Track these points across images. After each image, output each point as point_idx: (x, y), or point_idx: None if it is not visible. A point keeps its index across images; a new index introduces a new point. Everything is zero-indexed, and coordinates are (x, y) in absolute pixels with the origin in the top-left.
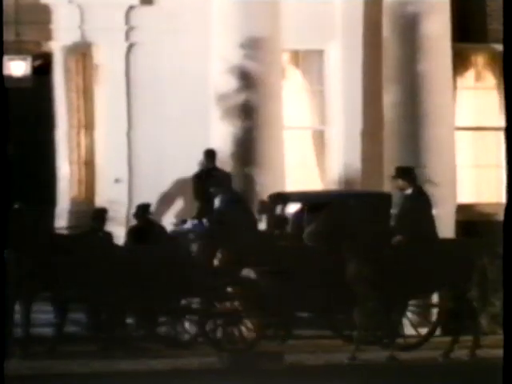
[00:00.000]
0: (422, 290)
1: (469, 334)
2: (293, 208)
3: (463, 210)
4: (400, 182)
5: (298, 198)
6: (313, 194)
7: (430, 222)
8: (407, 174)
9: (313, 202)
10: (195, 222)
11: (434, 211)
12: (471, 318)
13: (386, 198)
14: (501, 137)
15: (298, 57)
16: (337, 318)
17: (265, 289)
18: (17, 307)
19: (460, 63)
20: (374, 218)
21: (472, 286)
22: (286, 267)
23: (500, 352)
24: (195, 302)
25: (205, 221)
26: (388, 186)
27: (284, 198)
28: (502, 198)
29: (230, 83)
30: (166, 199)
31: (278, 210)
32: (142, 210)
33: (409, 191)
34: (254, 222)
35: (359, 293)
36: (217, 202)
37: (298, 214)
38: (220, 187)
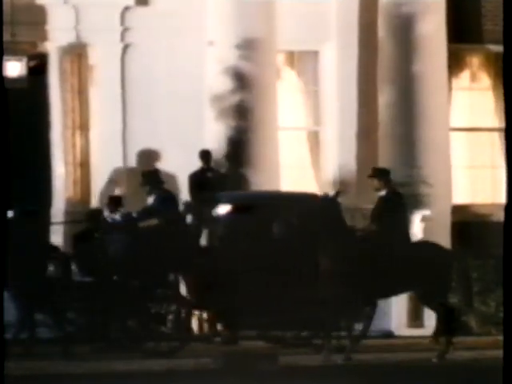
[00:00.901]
0: (389, 291)
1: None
2: (222, 209)
3: (458, 211)
4: (375, 183)
5: (227, 200)
6: (240, 196)
7: (402, 223)
8: (382, 174)
9: (241, 204)
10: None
11: (430, 212)
12: (446, 320)
13: (314, 200)
14: (496, 137)
15: (293, 57)
16: (264, 319)
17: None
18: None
19: (455, 64)
20: (304, 219)
21: (445, 288)
22: (211, 268)
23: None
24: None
25: (134, 214)
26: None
27: (212, 198)
28: (497, 199)
29: (224, 84)
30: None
31: (207, 210)
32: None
33: (383, 192)
34: (183, 222)
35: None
36: (150, 199)
37: (226, 216)
38: (155, 186)
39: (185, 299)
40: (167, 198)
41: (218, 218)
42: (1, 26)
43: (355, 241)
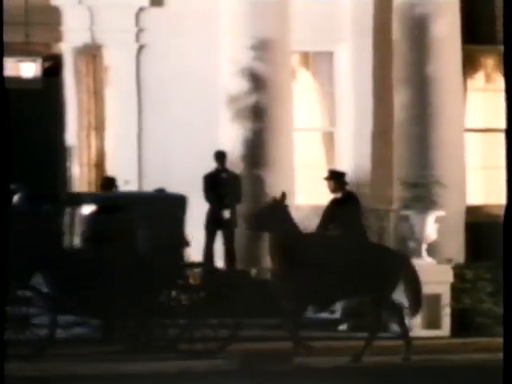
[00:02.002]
0: (341, 294)
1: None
2: (85, 209)
3: (472, 212)
4: (331, 185)
5: (91, 200)
6: (103, 197)
7: (357, 226)
8: (338, 177)
9: (104, 204)
10: None
11: (444, 212)
12: (398, 322)
13: (180, 200)
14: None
15: (307, 58)
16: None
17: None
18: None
19: (470, 65)
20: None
21: (391, 291)
22: (74, 269)
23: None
24: None
25: None
26: (398, 187)
27: (75, 198)
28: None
29: (239, 85)
30: None
31: (69, 210)
32: (108, 182)
33: (339, 195)
34: (46, 222)
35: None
36: (15, 198)
37: (90, 216)
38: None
39: (48, 301)
40: (29, 198)
41: (82, 218)
42: (1, 26)
43: (305, 243)
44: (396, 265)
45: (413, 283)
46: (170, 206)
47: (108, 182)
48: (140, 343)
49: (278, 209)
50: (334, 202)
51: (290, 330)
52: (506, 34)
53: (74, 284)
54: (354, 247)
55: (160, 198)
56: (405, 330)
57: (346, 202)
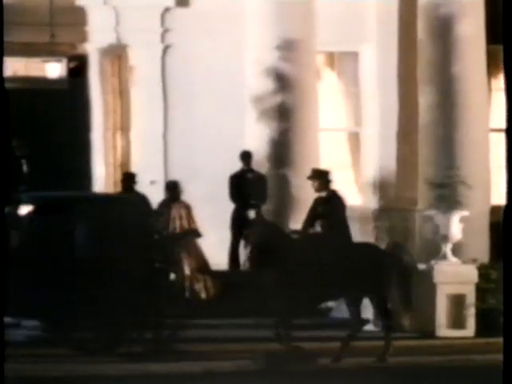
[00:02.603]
0: (330, 294)
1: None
2: (24, 209)
3: (497, 212)
4: (315, 184)
5: (29, 200)
6: (44, 196)
7: (342, 225)
8: (322, 176)
9: (43, 204)
10: None
11: (469, 212)
12: (384, 321)
13: (125, 201)
14: None
15: (333, 58)
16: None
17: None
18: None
19: (494, 65)
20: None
21: (381, 290)
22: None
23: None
24: None
25: None
26: (423, 187)
27: (13, 198)
28: None
29: (265, 85)
30: None
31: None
32: (128, 178)
33: (323, 194)
34: None
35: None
36: None
37: (28, 216)
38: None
39: None
40: None
41: (20, 219)
42: (1, 26)
43: (292, 243)
44: (387, 263)
45: (402, 282)
46: (111, 206)
47: (128, 178)
48: (93, 345)
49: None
50: (317, 201)
51: (277, 331)
52: (506, 34)
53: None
54: (341, 247)
55: (101, 199)
56: (388, 330)
57: (331, 201)
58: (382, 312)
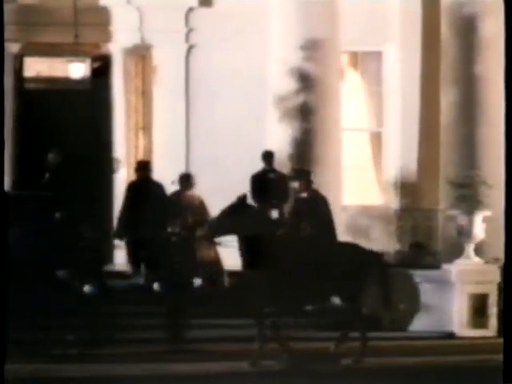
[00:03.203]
0: (311, 295)
1: None
2: None
3: None
4: (295, 184)
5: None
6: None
7: (327, 225)
8: (302, 176)
9: None
10: None
11: (490, 213)
12: (358, 322)
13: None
14: None
15: (356, 58)
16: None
17: None
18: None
19: None
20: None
21: (358, 289)
22: None
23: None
24: None
25: None
26: (444, 187)
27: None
28: None
29: (288, 85)
30: None
31: None
32: (143, 166)
33: (304, 194)
34: None
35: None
36: None
37: None
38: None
39: None
40: None
41: None
42: (1, 26)
43: (276, 243)
44: (366, 263)
45: (382, 281)
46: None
47: (141, 166)
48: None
49: (244, 210)
50: (298, 202)
51: (259, 331)
52: (507, 34)
53: None
54: (323, 247)
55: (31, 198)
56: (364, 332)
57: (313, 201)
58: (357, 313)
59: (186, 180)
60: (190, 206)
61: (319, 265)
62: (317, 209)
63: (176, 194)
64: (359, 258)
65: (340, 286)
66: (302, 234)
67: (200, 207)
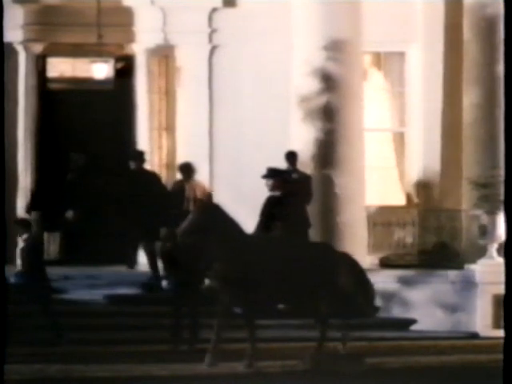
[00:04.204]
0: (284, 295)
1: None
2: None
3: None
4: (269, 183)
5: None
6: None
7: (299, 225)
8: (277, 175)
9: None
10: None
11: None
12: (320, 323)
13: None
14: None
15: (379, 59)
16: None
17: None
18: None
19: None
20: None
21: (329, 291)
22: None
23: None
24: None
25: None
26: (467, 187)
27: None
28: None
29: (311, 85)
30: None
31: None
32: (138, 155)
33: (277, 193)
34: None
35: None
36: None
37: None
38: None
39: None
40: None
41: None
42: (1, 25)
43: (246, 244)
44: (334, 264)
45: (362, 284)
46: None
47: (135, 155)
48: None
49: (211, 211)
50: (270, 201)
51: (217, 332)
52: (507, 34)
53: None
54: (295, 247)
55: None
56: (324, 333)
57: (286, 200)
58: (321, 314)
59: (186, 170)
60: (193, 195)
61: (290, 264)
62: (288, 208)
63: (177, 184)
64: (329, 259)
65: (311, 285)
66: (273, 233)
67: (202, 191)
